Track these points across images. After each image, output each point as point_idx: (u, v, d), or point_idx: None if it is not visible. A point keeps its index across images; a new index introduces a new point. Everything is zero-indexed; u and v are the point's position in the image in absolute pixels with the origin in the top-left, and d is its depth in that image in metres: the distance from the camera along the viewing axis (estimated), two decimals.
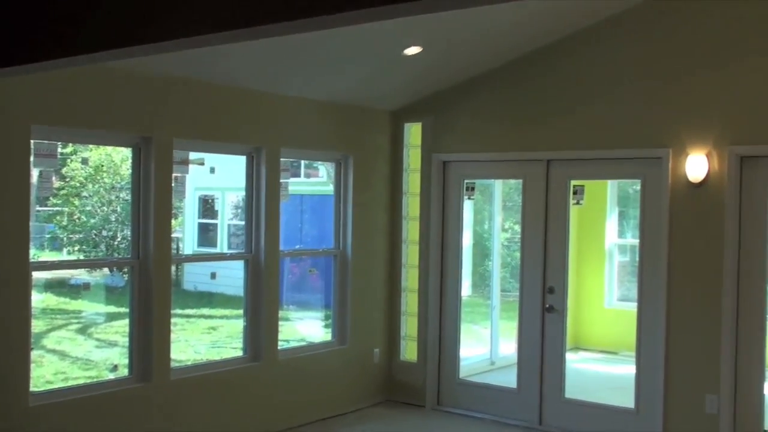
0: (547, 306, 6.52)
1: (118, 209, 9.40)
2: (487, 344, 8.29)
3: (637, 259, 6.26)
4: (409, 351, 7.37)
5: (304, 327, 8.82)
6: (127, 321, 5.74)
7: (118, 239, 9.30)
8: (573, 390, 6.58)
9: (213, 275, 7.21)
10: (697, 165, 5.73)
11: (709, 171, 5.72)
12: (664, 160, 5.89)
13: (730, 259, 5.64)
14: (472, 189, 7.19)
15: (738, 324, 5.65)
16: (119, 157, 8.82)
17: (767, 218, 5.63)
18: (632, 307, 6.28)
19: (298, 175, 10.35)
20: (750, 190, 5.64)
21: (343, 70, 6.22)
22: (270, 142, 6.31)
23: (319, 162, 8.38)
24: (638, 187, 6.33)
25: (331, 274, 7.15)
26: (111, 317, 8.72)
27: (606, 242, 9.17)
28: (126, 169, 8.07)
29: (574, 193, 6.54)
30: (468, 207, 7.92)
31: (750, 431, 5.64)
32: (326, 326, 7.54)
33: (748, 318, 5.64)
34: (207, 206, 12.35)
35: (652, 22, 5.96)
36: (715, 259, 5.70)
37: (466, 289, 8.60)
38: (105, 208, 9.55)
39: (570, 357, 8.06)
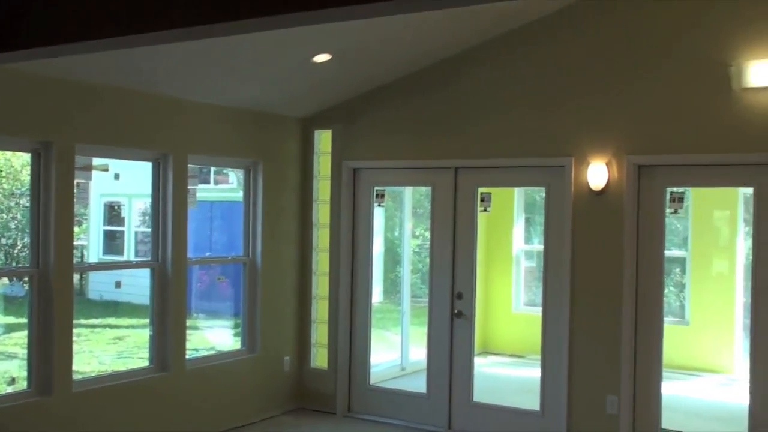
0: (456, 311, 6.62)
1: (19, 216, 9.07)
2: (398, 350, 8.34)
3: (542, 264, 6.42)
4: (319, 358, 7.35)
5: (213, 335, 8.70)
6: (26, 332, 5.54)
7: (18, 247, 8.97)
8: (482, 394, 6.69)
9: (117, 284, 7.04)
10: (597, 173, 5.93)
11: (609, 179, 5.92)
12: (566, 168, 6.07)
13: (628, 264, 5.85)
14: (382, 196, 7.25)
15: (637, 327, 5.87)
16: (19, 162, 8.52)
17: (663, 224, 5.87)
18: (539, 311, 6.43)
19: (207, 182, 10.21)
20: (647, 198, 5.87)
21: (252, 76, 6.18)
22: (177, 149, 6.20)
23: (229, 168, 8.29)
24: (544, 194, 6.49)
25: (241, 281, 7.08)
26: (10, 328, 8.40)
27: (513, 248, 9.37)
28: (26, 175, 7.81)
29: (482, 200, 6.66)
30: (379, 214, 7.97)
31: (648, 430, 5.85)
32: (236, 335, 7.45)
33: (647, 321, 5.85)
34: (113, 213, 12.05)
35: (555, 35, 6.14)
36: (615, 264, 5.90)
37: (377, 295, 8.65)
38: (4, 215, 9.20)
39: (479, 361, 8.18)
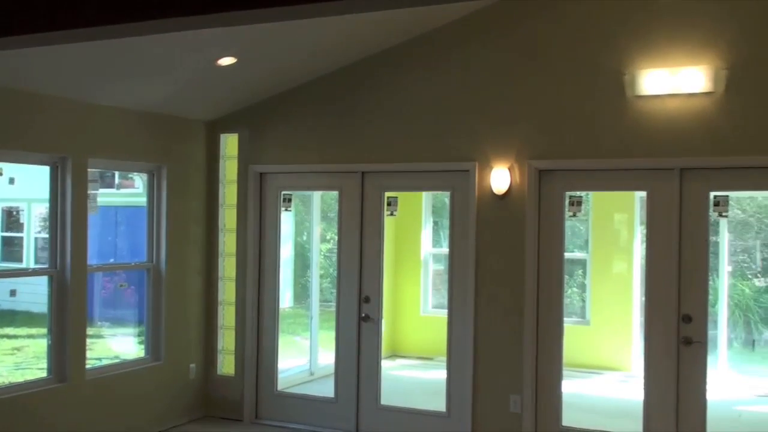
0: (363, 315, 6.65)
1: None
2: (306, 355, 8.32)
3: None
4: (226, 365, 7.26)
5: (117, 344, 8.47)
6: None
7: None
8: (390, 397, 6.74)
9: (12, 292, 6.78)
10: (500, 178, 6.06)
11: (511, 183, 6.06)
12: (471, 173, 6.18)
13: (530, 266, 6.00)
14: (290, 200, 7.21)
15: (538, 327, 6.02)
16: None
17: (563, 227, 6.04)
18: (446, 313, 6.52)
19: (112, 186, 9.94)
20: (548, 201, 6.03)
21: (156, 78, 6.06)
22: (76, 152, 6.03)
23: (135, 173, 8.10)
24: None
25: (145, 288, 6.93)
26: None
27: (422, 252, 9.48)
28: None
29: (389, 204, 6.71)
30: (289, 218, 7.94)
31: (549, 428, 6.01)
32: (140, 342, 7.29)
33: (548, 321, 6.01)
34: (11, 219, 11.60)
35: (459, 42, 6.25)
36: (517, 266, 6.04)
37: (287, 300, 8.61)
38: None
39: (387, 364, 8.24)
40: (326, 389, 7.00)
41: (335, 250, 7.01)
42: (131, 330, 8.13)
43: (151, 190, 6.87)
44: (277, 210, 7.07)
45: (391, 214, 6.82)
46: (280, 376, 7.19)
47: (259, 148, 7.03)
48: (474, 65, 6.21)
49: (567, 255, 9.30)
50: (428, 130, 6.36)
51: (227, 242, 7.24)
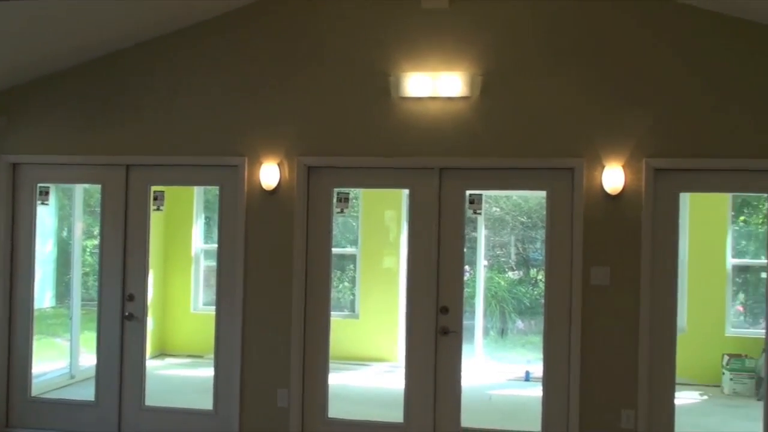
0: (127, 314, 6.39)
1: None
2: (67, 357, 7.86)
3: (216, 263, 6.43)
4: None
5: None
6: None
7: None
8: (157, 397, 6.53)
9: None
10: (269, 173, 6.07)
11: (281, 179, 6.09)
12: (240, 168, 6.14)
13: (298, 261, 6.06)
14: (47, 194, 6.76)
15: (306, 321, 6.10)
16: None
17: (331, 223, 6.16)
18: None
19: None
20: (316, 197, 6.13)
21: None
22: None
23: None
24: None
25: None
26: None
27: (192, 248, 9.28)
28: None
29: (155, 198, 6.50)
30: (51, 213, 7.46)
31: (316, 420, 6.12)
32: None
33: (315, 315, 6.11)
34: None
35: (228, 35, 6.18)
36: (286, 262, 6.09)
37: (47, 300, 8.08)
38: None
39: (155, 364, 8.01)
40: (88, 392, 6.65)
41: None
42: None
43: None
44: (32, 204, 6.61)
45: (158, 209, 6.61)
46: (37, 380, 6.74)
47: (12, 137, 6.52)
48: (245, 60, 6.17)
49: (339, 250, 9.58)
50: (198, 124, 6.24)
51: None
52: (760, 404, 5.84)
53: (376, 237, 9.49)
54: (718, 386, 8.27)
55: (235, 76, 6.18)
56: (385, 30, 5.99)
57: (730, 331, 8.52)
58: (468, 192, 6.02)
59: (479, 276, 9.28)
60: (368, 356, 8.96)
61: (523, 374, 8.51)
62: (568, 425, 5.74)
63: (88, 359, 7.73)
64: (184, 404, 6.55)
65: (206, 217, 9.46)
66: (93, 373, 6.67)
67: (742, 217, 9.18)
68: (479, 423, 6.06)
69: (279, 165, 6.10)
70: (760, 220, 8.96)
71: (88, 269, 8.50)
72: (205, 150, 6.23)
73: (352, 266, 9.75)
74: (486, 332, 9.73)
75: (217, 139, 6.20)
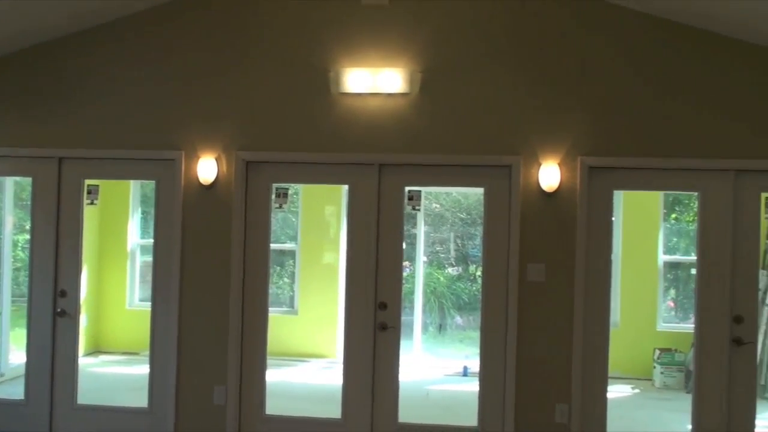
0: (59, 310, 6.24)
1: None
2: None
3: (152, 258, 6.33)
4: None
5: None
6: None
7: None
8: (90, 395, 6.40)
9: None
10: (206, 168, 6.00)
11: (218, 174, 6.02)
12: (177, 162, 6.05)
13: (236, 257, 6.00)
14: None
15: (244, 318, 6.05)
16: None
17: (269, 218, 6.11)
18: None
19: None
20: (255, 192, 6.07)
21: None
22: None
23: None
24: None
25: None
26: None
27: (129, 243, 9.12)
28: None
29: (89, 192, 6.36)
30: None
31: (253, 417, 6.07)
32: None
33: (253, 311, 6.06)
34: None
35: (168, 26, 6.08)
36: (223, 257, 6.02)
37: None
38: None
39: (88, 361, 7.85)
40: (17, 391, 6.48)
41: None
42: None
43: None
44: None
45: (92, 203, 6.47)
46: None
47: None
48: (183, 52, 6.08)
49: (278, 246, 9.52)
50: (134, 117, 6.12)
51: None
52: (689, 397, 6.00)
53: (316, 233, 9.46)
54: (650, 380, 8.48)
55: (172, 68, 6.09)
56: (325, 25, 5.96)
57: (662, 326, 8.74)
58: (407, 188, 6.04)
59: (418, 272, 9.33)
60: (307, 352, 8.93)
61: (461, 369, 8.59)
62: (504, 420, 5.82)
63: (18, 357, 7.54)
64: (118, 402, 6.44)
65: (143, 212, 9.30)
66: (23, 371, 6.50)
67: (673, 215, 9.43)
68: (417, 418, 6.09)
69: (217, 159, 6.03)
70: (691, 218, 9.21)
71: (19, 264, 8.29)
72: (142, 143, 6.11)
73: (291, 262, 9.70)
74: (425, 328, 9.79)
75: (153, 133, 6.10)
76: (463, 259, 11.11)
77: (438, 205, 11.01)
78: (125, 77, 6.13)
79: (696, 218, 5.91)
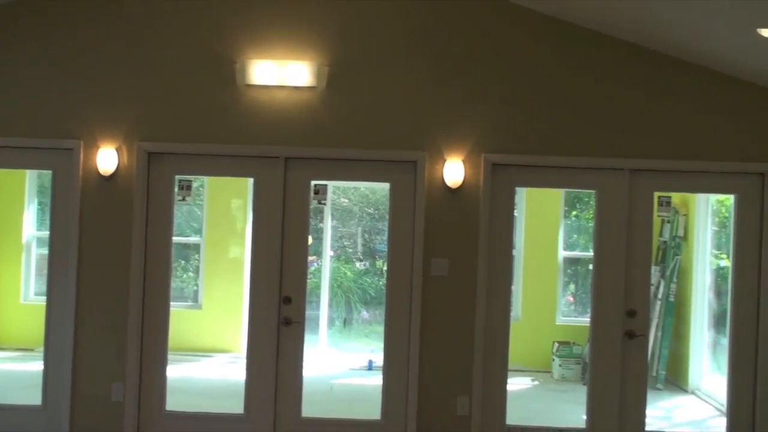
0: None
1: None
2: None
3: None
4: None
5: None
6: None
7: None
8: None
9: None
10: (106, 159, 5.83)
11: (119, 165, 5.86)
12: (74, 152, 5.86)
13: (137, 251, 5.86)
14: None
15: (144, 313, 5.91)
16: None
17: (172, 211, 5.99)
18: None
19: None
20: (157, 184, 5.94)
21: None
22: None
23: None
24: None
25: None
26: None
27: (24, 235, 8.78)
28: None
29: None
30: None
31: (154, 413, 5.94)
32: None
33: (154, 307, 5.93)
34: None
35: (69, 13, 5.88)
36: (124, 251, 5.87)
37: None
38: None
39: None
40: None
41: None
42: None
43: None
44: None
45: None
46: None
47: None
48: (80, 34, 5.88)
49: (182, 239, 9.36)
50: (29, 103, 5.89)
51: None
52: (585, 388, 6.20)
53: (221, 226, 9.32)
54: (549, 372, 8.72)
55: (70, 51, 5.89)
56: (231, 14, 5.88)
57: (561, 320, 9.00)
58: (313, 182, 6.02)
59: (325, 266, 9.32)
60: (211, 347, 8.81)
61: (366, 363, 8.63)
62: (407, 413, 5.88)
63: None
64: (10, 400, 6.20)
65: (40, 203, 8.97)
66: None
67: (574, 212, 9.71)
68: (320, 413, 6.09)
69: (117, 150, 5.87)
70: (590, 215, 9.49)
71: None
72: (38, 131, 5.89)
73: (196, 255, 9.53)
74: (331, 322, 9.79)
75: (50, 120, 5.89)
76: (370, 254, 11.16)
77: (346, 200, 11.03)
78: (20, 60, 5.89)
79: (594, 215, 6.11)
